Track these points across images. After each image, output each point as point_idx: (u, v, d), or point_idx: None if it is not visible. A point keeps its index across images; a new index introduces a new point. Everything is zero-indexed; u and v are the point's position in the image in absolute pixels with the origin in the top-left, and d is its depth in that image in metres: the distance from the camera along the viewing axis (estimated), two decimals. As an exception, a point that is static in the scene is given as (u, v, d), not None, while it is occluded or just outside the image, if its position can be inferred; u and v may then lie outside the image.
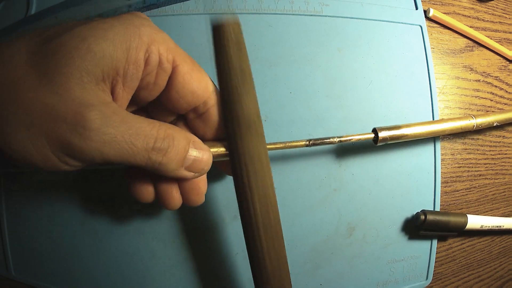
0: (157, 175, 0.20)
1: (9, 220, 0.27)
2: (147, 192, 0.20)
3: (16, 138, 0.15)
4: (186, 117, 0.21)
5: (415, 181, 0.30)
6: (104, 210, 0.27)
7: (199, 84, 0.19)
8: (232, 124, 0.19)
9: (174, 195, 0.20)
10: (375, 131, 0.26)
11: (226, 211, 0.28)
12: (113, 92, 0.17)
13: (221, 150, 0.20)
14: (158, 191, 0.20)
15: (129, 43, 0.17)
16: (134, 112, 0.20)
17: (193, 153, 0.19)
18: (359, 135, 0.25)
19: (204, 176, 0.21)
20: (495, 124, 0.30)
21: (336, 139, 0.24)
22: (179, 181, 0.21)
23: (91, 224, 0.27)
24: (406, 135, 0.26)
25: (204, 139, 0.21)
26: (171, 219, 0.27)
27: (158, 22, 0.27)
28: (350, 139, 0.25)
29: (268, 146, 0.22)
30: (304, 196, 0.29)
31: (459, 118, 0.28)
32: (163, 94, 0.20)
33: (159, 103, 0.20)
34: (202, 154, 0.19)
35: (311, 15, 0.29)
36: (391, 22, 0.31)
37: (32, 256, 0.27)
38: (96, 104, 0.16)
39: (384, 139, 0.26)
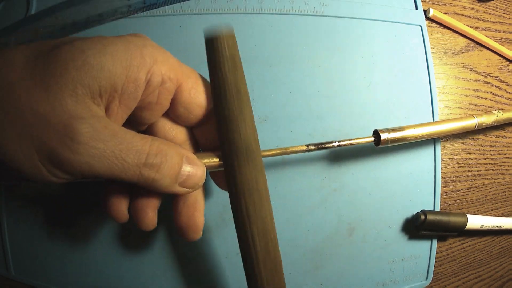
0: (134, 193, 0.20)
1: (9, 220, 0.27)
2: (122, 212, 0.20)
3: (6, 142, 0.15)
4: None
5: (415, 181, 0.30)
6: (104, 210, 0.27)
7: (205, 96, 0.19)
8: (229, 152, 0.19)
9: (149, 215, 0.20)
10: (376, 133, 0.25)
11: (226, 211, 0.28)
12: (108, 109, 0.17)
13: (216, 160, 0.20)
14: (133, 210, 0.20)
15: (130, 61, 0.16)
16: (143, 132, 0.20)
17: (187, 169, 0.18)
18: (359, 138, 0.25)
19: (202, 212, 0.21)
20: (497, 116, 0.30)
21: (335, 144, 0.24)
22: (177, 217, 0.20)
23: (91, 224, 0.27)
24: (408, 137, 0.26)
25: (206, 148, 0.21)
26: (171, 219, 0.27)
27: (158, 22, 0.27)
28: (349, 143, 0.24)
29: (267, 153, 0.22)
30: (304, 197, 0.29)
31: (461, 118, 0.28)
32: (172, 111, 0.20)
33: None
34: (196, 169, 0.19)
35: (311, 15, 0.29)
36: (391, 22, 0.31)
37: (32, 256, 0.27)
38: (87, 117, 0.15)
39: (386, 141, 0.25)
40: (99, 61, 0.16)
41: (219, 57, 0.19)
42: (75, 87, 0.15)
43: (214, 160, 0.20)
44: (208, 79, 0.20)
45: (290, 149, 0.23)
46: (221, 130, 0.19)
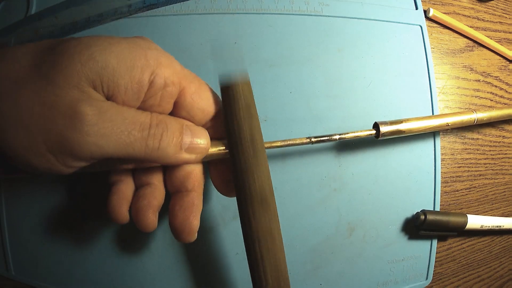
0: (136, 195, 0.20)
1: (9, 220, 0.27)
2: (123, 213, 0.20)
3: (14, 138, 0.15)
4: None
5: (415, 181, 0.30)
6: (104, 210, 0.27)
7: (208, 101, 0.20)
8: (244, 198, 0.19)
9: (149, 216, 0.20)
10: (376, 125, 0.26)
11: (225, 211, 0.28)
12: None
13: (222, 148, 0.20)
14: (134, 211, 0.20)
15: (134, 62, 0.17)
16: None
17: (189, 135, 0.19)
18: (359, 131, 0.25)
19: (197, 215, 0.21)
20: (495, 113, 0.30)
21: (337, 137, 0.24)
22: (172, 218, 0.20)
23: (91, 224, 0.27)
24: (408, 130, 0.26)
25: None
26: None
27: (158, 22, 0.27)
28: (350, 136, 0.25)
29: (268, 145, 0.22)
30: (304, 196, 0.29)
31: (460, 113, 0.28)
32: (175, 115, 0.20)
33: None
34: (199, 135, 0.19)
35: (311, 15, 0.29)
36: (391, 22, 0.31)
37: (32, 256, 0.27)
38: (92, 100, 0.16)
39: (386, 133, 0.25)
40: (104, 58, 0.16)
41: (235, 105, 0.20)
42: (80, 79, 0.16)
43: (220, 149, 0.20)
44: (216, 92, 0.21)
45: (292, 141, 0.23)
46: (237, 177, 0.19)
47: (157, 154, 0.18)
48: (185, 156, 0.19)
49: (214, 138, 0.21)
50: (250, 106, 0.20)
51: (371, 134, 0.26)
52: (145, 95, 0.18)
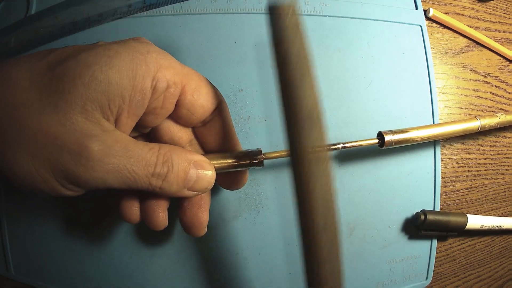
0: (145, 195, 0.20)
1: (9, 220, 0.27)
2: (134, 213, 0.20)
3: (20, 165, 0.15)
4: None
5: (415, 181, 0.30)
6: (104, 209, 0.27)
7: (207, 96, 0.20)
8: (290, 118, 0.19)
9: (160, 215, 0.20)
10: (380, 135, 0.25)
11: (226, 211, 0.28)
12: (117, 120, 0.17)
13: (226, 161, 0.20)
14: (144, 211, 0.20)
15: (135, 71, 0.16)
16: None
17: (195, 173, 0.19)
18: (363, 140, 0.25)
19: (206, 210, 0.21)
20: (499, 118, 0.30)
21: (340, 145, 0.24)
22: (182, 214, 0.21)
23: (91, 224, 0.27)
24: (412, 139, 0.26)
25: (208, 146, 0.21)
26: (171, 219, 0.27)
27: (158, 22, 0.27)
28: (354, 145, 0.24)
29: (272, 154, 0.22)
30: (304, 196, 0.29)
31: (464, 120, 0.28)
32: (175, 113, 0.20)
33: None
34: (205, 173, 0.19)
35: (311, 15, 0.29)
36: (391, 22, 0.31)
37: (32, 256, 0.27)
38: (98, 134, 0.16)
39: (390, 143, 0.25)
40: (106, 75, 0.16)
41: (281, 24, 0.18)
42: (85, 103, 0.15)
43: (224, 162, 0.20)
44: (207, 77, 0.20)
45: None
46: (283, 97, 0.19)
47: (160, 190, 0.18)
48: (187, 193, 0.19)
49: (211, 148, 0.21)
50: (298, 26, 0.18)
51: (375, 144, 0.25)
52: (148, 101, 0.18)
